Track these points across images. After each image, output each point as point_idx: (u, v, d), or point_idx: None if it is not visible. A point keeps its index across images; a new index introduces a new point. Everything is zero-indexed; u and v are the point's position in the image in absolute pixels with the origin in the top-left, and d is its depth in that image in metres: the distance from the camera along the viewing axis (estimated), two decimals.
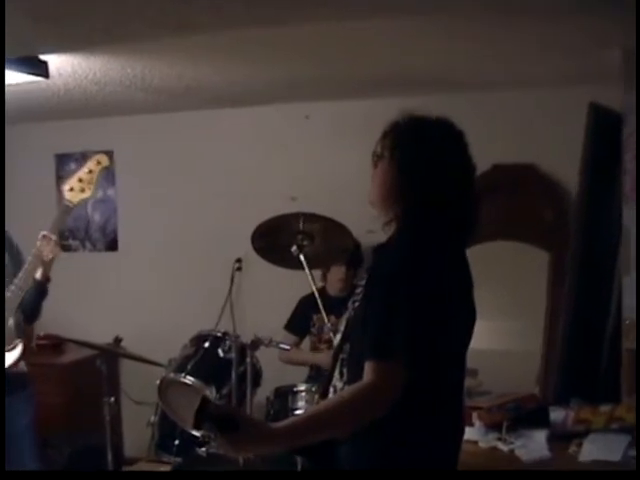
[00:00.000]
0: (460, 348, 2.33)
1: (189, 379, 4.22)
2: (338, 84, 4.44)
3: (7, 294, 3.77)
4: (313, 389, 4.21)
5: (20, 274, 3.74)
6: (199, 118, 5.64)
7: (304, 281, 4.16)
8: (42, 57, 3.23)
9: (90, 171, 3.82)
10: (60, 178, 6.15)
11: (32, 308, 3.92)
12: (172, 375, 4.30)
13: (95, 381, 4.18)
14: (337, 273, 4.84)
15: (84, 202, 4.00)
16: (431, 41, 3.22)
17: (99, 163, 3.87)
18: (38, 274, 3.79)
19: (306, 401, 4.25)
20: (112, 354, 4.54)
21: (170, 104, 5.23)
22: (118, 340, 4.53)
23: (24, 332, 3.97)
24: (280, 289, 5.11)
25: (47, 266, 3.80)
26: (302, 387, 4.36)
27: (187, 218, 5.79)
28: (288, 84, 4.40)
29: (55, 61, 3.29)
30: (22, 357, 3.86)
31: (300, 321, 4.99)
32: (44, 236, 3.73)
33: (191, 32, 2.82)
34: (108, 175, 6.04)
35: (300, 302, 4.98)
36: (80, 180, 3.79)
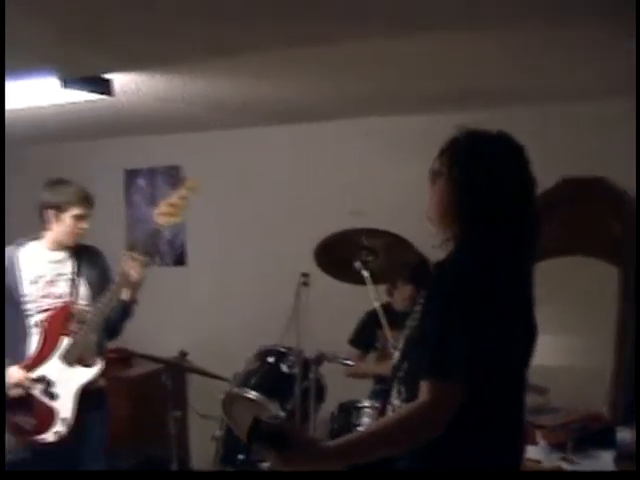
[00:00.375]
0: (519, 365, 2.29)
1: (253, 394, 4.23)
2: (396, 100, 4.41)
3: (92, 310, 3.82)
4: (377, 405, 4.18)
5: (107, 292, 3.78)
6: (262, 134, 5.67)
7: (373, 296, 4.14)
8: (106, 76, 3.28)
9: (182, 197, 3.82)
10: (129, 193, 6.25)
11: (115, 327, 3.97)
12: (236, 390, 4.33)
13: (162, 394, 4.23)
14: (403, 292, 4.80)
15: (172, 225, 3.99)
16: (487, 55, 3.18)
17: (191, 189, 3.85)
18: (125, 295, 3.83)
19: (370, 417, 4.22)
20: (178, 368, 4.57)
21: (233, 120, 5.28)
22: (184, 354, 4.56)
23: (105, 350, 4.04)
24: (346, 304, 5.08)
25: (135, 288, 3.84)
26: (366, 403, 4.33)
27: (253, 233, 5.82)
28: (352, 100, 4.39)
29: (119, 79, 3.34)
30: (101, 374, 3.92)
31: (365, 336, 4.96)
32: (131, 256, 3.76)
33: (250, 51, 2.84)
34: (176, 190, 6.11)
35: (366, 317, 4.94)
36: (172, 205, 3.80)
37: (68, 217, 3.87)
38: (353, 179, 5.41)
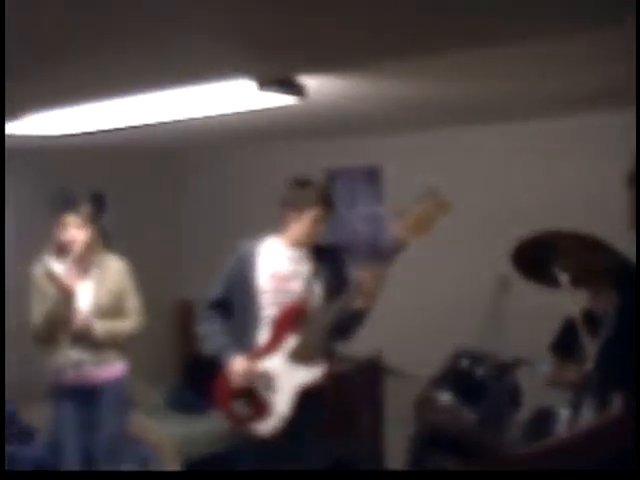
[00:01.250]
0: None
1: (445, 397, 4.21)
2: (579, 99, 4.23)
3: (324, 311, 3.82)
4: (573, 414, 4.05)
5: (341, 297, 3.76)
6: (458, 134, 5.61)
7: (572, 301, 4.02)
8: (299, 78, 3.34)
9: (430, 213, 3.72)
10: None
11: (344, 331, 3.92)
12: (429, 392, 4.32)
13: (356, 392, 4.27)
14: (605, 298, 4.60)
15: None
16: None
17: (442, 206, 3.74)
18: (360, 303, 3.75)
19: (566, 425, 4.10)
20: (372, 367, 4.61)
21: (428, 121, 5.26)
22: (379, 353, 4.60)
23: (331, 353, 4.00)
24: (546, 308, 4.94)
25: (369, 300, 3.75)
26: (563, 410, 4.20)
27: (451, 233, 5.76)
28: (542, 100, 4.27)
29: (312, 82, 3.38)
30: (322, 379, 3.86)
31: (565, 343, 4.80)
32: (370, 268, 3.70)
33: (440, 51, 2.81)
34: (376, 191, 6.16)
35: (566, 323, 4.79)
36: (418, 220, 3.71)
37: (308, 217, 3.91)
38: (550, 179, 5.25)
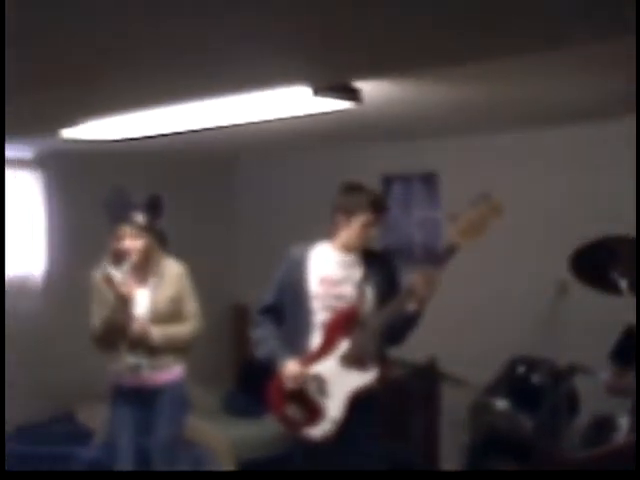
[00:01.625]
0: None
1: (500, 403, 4.17)
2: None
3: (376, 316, 3.82)
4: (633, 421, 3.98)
5: (393, 301, 3.76)
6: (515, 139, 5.55)
7: (632, 308, 3.94)
8: (355, 84, 3.34)
9: (483, 215, 3.69)
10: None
11: (396, 335, 3.89)
12: (484, 398, 4.28)
13: (410, 397, 4.25)
14: None
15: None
16: None
17: (494, 209, 3.70)
18: (412, 307, 3.74)
19: (625, 433, 4.04)
20: (427, 372, 4.58)
21: (488, 125, 5.22)
22: (434, 359, 4.57)
23: (383, 357, 3.97)
24: (605, 314, 4.86)
25: (421, 302, 3.73)
26: (621, 418, 4.14)
27: (509, 238, 5.71)
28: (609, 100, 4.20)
29: (366, 87, 3.38)
30: (375, 384, 3.84)
31: (625, 350, 4.72)
32: (422, 272, 3.68)
33: (495, 56, 2.79)
34: (432, 195, 6.13)
35: (627, 330, 4.71)
36: (473, 223, 3.68)
37: (357, 222, 3.90)
38: (610, 184, 5.17)
